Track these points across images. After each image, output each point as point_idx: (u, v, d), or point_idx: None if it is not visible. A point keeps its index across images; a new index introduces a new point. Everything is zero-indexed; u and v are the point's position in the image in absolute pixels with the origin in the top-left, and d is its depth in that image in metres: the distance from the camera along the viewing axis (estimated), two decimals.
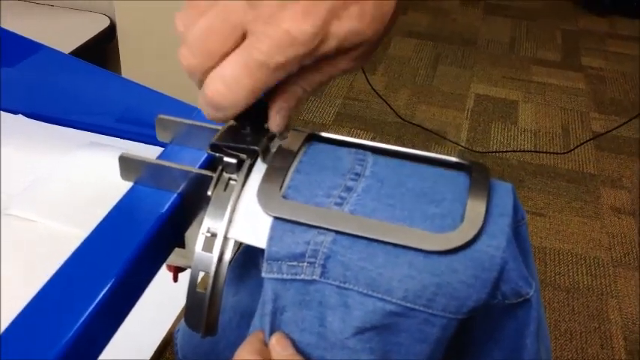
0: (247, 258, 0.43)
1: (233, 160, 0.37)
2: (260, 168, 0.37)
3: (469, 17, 2.87)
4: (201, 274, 0.36)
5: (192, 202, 0.42)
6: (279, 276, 0.34)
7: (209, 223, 0.36)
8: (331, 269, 0.33)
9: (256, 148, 0.37)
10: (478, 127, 2.12)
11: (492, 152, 2.01)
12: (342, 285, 0.33)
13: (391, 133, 2.05)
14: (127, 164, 0.42)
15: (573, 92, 2.34)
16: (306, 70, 0.33)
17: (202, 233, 0.36)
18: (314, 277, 0.34)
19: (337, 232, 0.34)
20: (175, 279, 0.48)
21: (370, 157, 0.38)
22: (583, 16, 2.91)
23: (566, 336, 1.43)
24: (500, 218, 0.34)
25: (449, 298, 0.33)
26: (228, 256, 0.36)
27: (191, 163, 0.43)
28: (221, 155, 0.38)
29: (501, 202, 0.35)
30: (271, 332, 0.35)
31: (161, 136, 0.46)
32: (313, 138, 0.39)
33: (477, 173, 0.37)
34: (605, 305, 1.51)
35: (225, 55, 0.32)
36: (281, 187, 0.36)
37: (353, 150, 0.38)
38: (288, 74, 0.32)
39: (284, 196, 0.35)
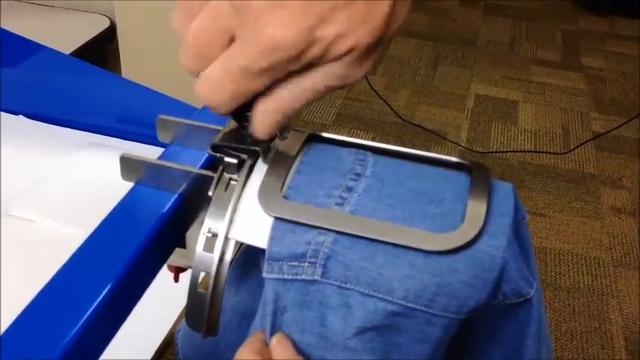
0: (248, 258, 0.43)
1: (234, 161, 0.37)
2: (261, 168, 0.37)
3: (469, 17, 2.87)
4: (202, 275, 0.36)
5: (193, 203, 0.42)
6: (280, 276, 0.34)
7: (210, 223, 0.36)
8: (332, 269, 0.33)
9: (257, 148, 0.37)
10: (478, 128, 2.12)
11: (492, 152, 2.01)
12: (343, 285, 0.33)
13: (391, 134, 2.05)
14: (127, 164, 0.42)
15: (573, 92, 2.34)
16: (295, 74, 0.32)
17: (203, 233, 0.36)
18: (315, 277, 0.34)
19: (338, 233, 0.34)
20: (176, 279, 0.48)
21: (371, 158, 0.38)
22: (583, 16, 2.91)
23: (566, 336, 1.42)
24: (500, 218, 0.34)
25: (449, 298, 0.33)
26: (229, 256, 0.36)
27: (192, 163, 0.43)
28: (222, 155, 0.38)
29: (502, 202, 0.35)
30: (272, 332, 0.35)
31: (162, 136, 0.46)
32: (314, 138, 0.40)
33: (478, 173, 0.37)
34: (605, 305, 1.51)
35: (215, 59, 0.32)
36: (282, 187, 0.36)
37: (353, 150, 0.38)
38: (274, 79, 0.32)
39: (285, 197, 0.35)
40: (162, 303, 0.57)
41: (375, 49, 0.32)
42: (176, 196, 0.42)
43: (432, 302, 0.33)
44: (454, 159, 0.38)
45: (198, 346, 0.48)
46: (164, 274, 0.45)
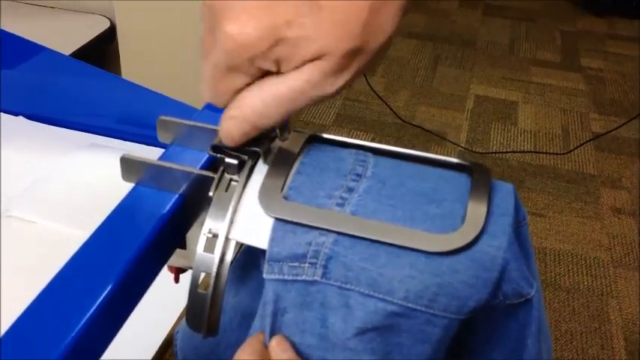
0: (248, 259, 0.43)
1: (234, 161, 0.37)
2: (261, 169, 0.37)
3: (468, 18, 2.87)
4: (203, 275, 0.37)
5: (193, 203, 0.42)
6: (281, 277, 0.34)
7: (210, 224, 0.36)
8: (333, 270, 0.34)
9: (257, 149, 0.37)
10: (478, 128, 2.12)
11: (492, 153, 2.01)
12: (343, 286, 0.33)
13: (391, 134, 2.05)
14: (128, 165, 0.42)
15: (573, 93, 2.34)
16: (266, 79, 0.32)
17: (204, 234, 0.36)
18: (315, 277, 0.34)
19: (338, 233, 0.34)
20: (177, 280, 0.48)
21: (371, 158, 0.38)
22: (582, 16, 2.91)
23: (566, 336, 1.42)
24: (501, 218, 0.34)
25: (450, 299, 0.33)
26: (229, 256, 0.36)
27: (192, 164, 0.43)
28: (222, 156, 0.38)
29: (503, 202, 0.35)
30: (272, 333, 0.35)
31: (162, 137, 0.46)
32: (314, 139, 0.40)
33: (478, 174, 0.37)
34: (605, 306, 1.51)
35: None
36: (282, 188, 0.36)
37: (354, 151, 0.38)
38: (251, 77, 0.32)
39: (285, 197, 0.35)
40: (163, 304, 0.57)
41: (355, 58, 0.31)
42: (177, 196, 0.42)
43: (433, 302, 0.33)
44: (455, 160, 0.38)
45: (198, 346, 0.48)
46: (164, 274, 0.45)
